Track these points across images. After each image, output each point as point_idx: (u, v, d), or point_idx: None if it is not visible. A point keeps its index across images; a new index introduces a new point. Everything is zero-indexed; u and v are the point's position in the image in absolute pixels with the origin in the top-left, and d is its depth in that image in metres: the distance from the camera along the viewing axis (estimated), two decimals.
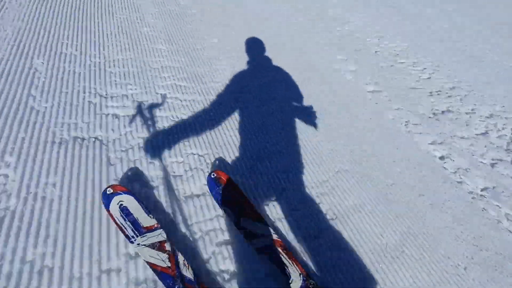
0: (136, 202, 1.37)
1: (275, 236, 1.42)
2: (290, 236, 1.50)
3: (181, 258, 1.27)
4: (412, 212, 1.78)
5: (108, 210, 1.31)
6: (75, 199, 1.39)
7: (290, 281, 1.30)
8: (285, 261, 1.34)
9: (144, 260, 1.24)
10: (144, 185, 1.54)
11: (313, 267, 1.41)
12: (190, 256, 1.33)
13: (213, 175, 1.55)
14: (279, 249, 1.38)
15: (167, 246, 1.29)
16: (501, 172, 2.19)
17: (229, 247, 1.39)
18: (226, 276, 1.30)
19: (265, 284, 1.30)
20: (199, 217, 1.47)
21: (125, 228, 1.30)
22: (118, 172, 1.55)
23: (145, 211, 1.36)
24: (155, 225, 1.34)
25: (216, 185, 1.54)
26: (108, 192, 1.34)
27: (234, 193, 1.54)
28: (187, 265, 1.25)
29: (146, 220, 1.34)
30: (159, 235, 1.31)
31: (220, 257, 1.35)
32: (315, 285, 1.31)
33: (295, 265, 1.33)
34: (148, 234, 1.30)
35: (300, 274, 1.30)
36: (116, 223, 1.30)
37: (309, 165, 1.90)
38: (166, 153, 1.71)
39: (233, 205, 1.50)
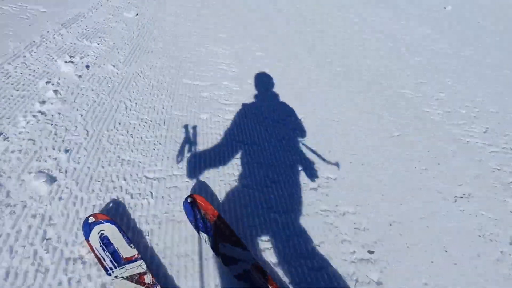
0: (118, 231, 1.34)
1: (254, 261, 1.36)
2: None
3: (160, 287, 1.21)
4: None
5: (87, 240, 1.28)
6: None
7: None
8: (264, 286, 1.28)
9: None
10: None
11: None
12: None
13: (189, 199, 1.53)
14: (259, 275, 1.31)
15: (147, 279, 1.23)
16: None
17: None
18: None
19: None
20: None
21: (104, 259, 1.25)
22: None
23: (126, 241, 1.32)
24: (136, 256, 1.29)
25: (193, 210, 1.51)
26: (89, 221, 1.32)
27: (211, 217, 1.51)
28: None
29: (126, 250, 1.30)
30: (139, 267, 1.26)
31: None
32: None
33: None
34: (127, 266, 1.25)
35: None
36: (95, 254, 1.26)
37: None
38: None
39: (211, 230, 1.46)
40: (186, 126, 2.19)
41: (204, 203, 1.54)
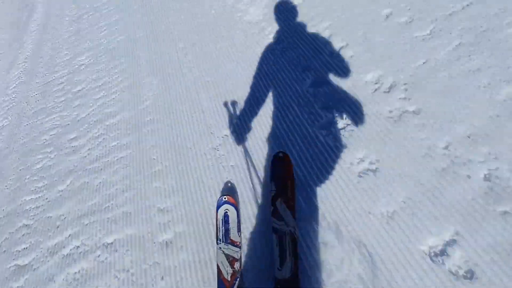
0: (236, 216, 1.72)
1: (293, 229, 1.60)
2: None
3: (238, 281, 1.56)
4: None
5: (216, 211, 1.72)
6: None
7: (279, 268, 1.51)
8: (287, 252, 1.54)
9: (216, 262, 1.60)
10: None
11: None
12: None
13: (281, 154, 1.86)
14: (289, 241, 1.57)
15: (236, 265, 1.60)
16: None
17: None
18: None
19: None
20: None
21: (219, 230, 1.68)
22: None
23: (237, 227, 1.69)
24: (238, 243, 1.66)
25: (277, 163, 1.85)
26: (223, 199, 1.74)
27: (287, 176, 1.79)
28: None
29: (234, 234, 1.68)
30: (236, 253, 1.63)
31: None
32: (297, 284, 1.46)
33: (293, 260, 1.51)
34: (230, 246, 1.64)
35: (291, 268, 1.49)
36: (216, 223, 1.70)
37: None
38: None
39: (279, 185, 1.77)
40: None
41: (288, 163, 1.83)
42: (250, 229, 1.77)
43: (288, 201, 1.71)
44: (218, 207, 1.73)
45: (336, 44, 2.40)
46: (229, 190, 1.93)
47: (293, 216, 1.66)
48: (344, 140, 1.88)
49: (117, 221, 2.14)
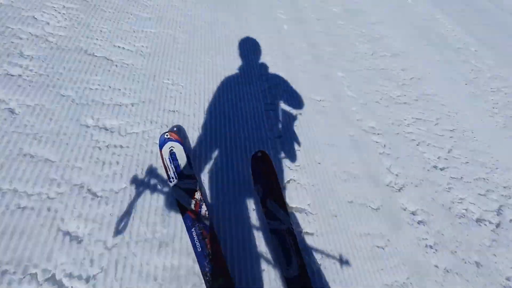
0: (184, 152, 1.62)
1: (290, 225, 1.54)
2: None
3: (204, 208, 1.49)
4: None
5: (160, 150, 1.59)
6: None
7: (286, 268, 1.42)
8: (290, 249, 1.47)
9: (175, 199, 1.49)
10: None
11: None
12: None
13: (259, 153, 1.74)
14: (289, 238, 1.50)
15: (197, 195, 1.51)
16: None
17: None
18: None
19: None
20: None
21: (169, 169, 1.56)
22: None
23: (188, 162, 1.60)
24: (192, 176, 1.57)
25: (258, 163, 1.72)
26: (165, 136, 1.61)
27: (270, 172, 1.70)
28: (207, 216, 1.47)
29: (187, 169, 1.58)
30: (193, 184, 1.55)
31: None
32: (307, 280, 1.40)
33: (298, 255, 1.45)
34: (185, 181, 1.55)
35: (298, 265, 1.42)
36: (163, 163, 1.57)
37: None
38: None
39: (264, 184, 1.67)
40: None
41: (268, 160, 1.73)
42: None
43: (277, 199, 1.64)
44: (161, 146, 1.59)
45: None
46: (172, 129, 1.79)
47: (286, 211, 1.61)
48: None
49: None
